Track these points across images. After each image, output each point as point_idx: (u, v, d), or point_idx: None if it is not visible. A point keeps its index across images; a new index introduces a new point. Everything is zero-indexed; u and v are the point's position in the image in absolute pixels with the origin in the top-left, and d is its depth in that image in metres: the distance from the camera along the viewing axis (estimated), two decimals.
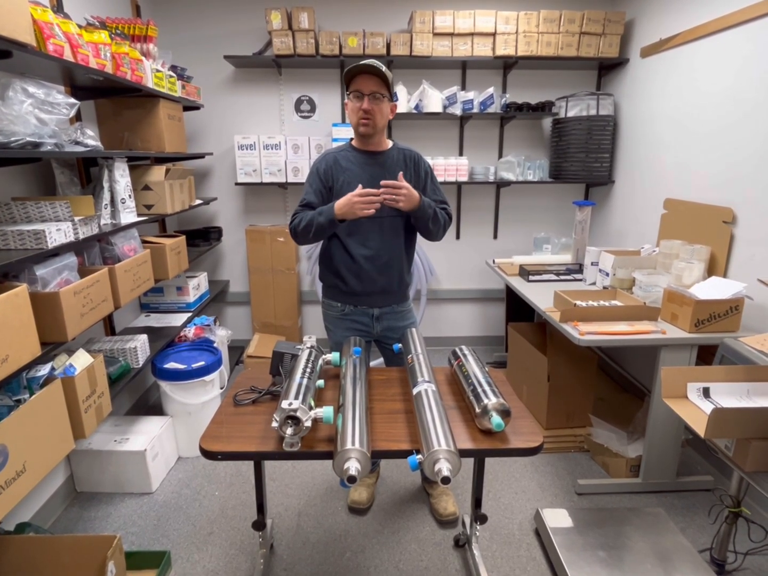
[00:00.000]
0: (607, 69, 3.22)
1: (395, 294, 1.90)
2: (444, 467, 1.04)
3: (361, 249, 1.80)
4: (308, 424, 1.16)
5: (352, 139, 1.85)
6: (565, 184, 3.42)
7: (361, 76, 1.66)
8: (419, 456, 1.10)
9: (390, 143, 1.85)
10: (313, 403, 1.24)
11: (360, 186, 1.66)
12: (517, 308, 3.18)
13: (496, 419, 1.21)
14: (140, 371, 2.12)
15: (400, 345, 1.73)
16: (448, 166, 3.14)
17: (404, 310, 1.94)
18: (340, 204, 1.66)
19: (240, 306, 3.60)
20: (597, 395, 2.53)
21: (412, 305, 2.00)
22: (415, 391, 1.33)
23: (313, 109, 3.28)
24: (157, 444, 2.20)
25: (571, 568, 1.63)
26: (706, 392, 1.36)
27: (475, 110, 3.07)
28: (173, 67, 2.60)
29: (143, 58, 2.18)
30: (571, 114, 3.05)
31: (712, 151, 2.29)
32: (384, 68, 1.64)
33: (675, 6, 2.55)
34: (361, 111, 1.68)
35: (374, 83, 1.66)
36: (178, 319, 2.64)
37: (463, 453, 1.16)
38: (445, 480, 1.03)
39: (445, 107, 3.05)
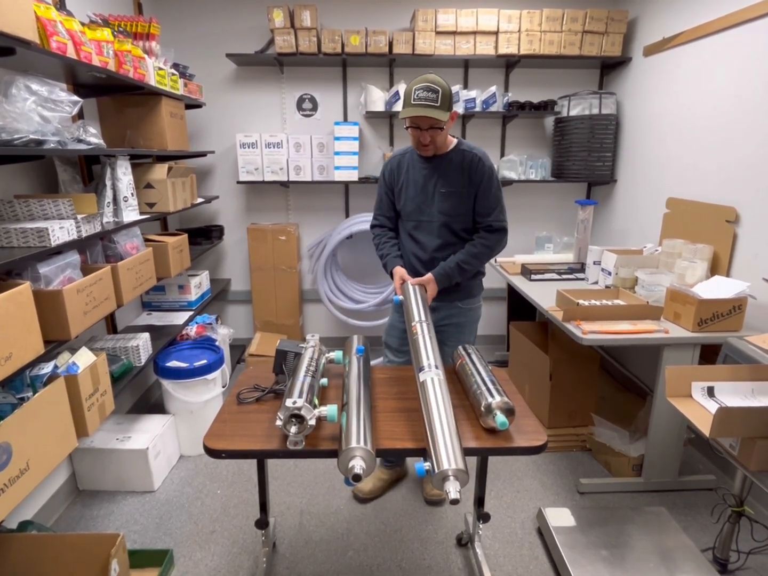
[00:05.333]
0: (610, 68, 3.21)
1: (455, 292, 1.89)
2: (452, 489, 1.00)
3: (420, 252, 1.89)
4: (312, 422, 1.17)
5: None
6: (567, 183, 3.42)
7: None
8: (426, 464, 1.07)
9: (453, 143, 1.80)
10: (317, 402, 1.24)
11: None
12: (519, 307, 3.17)
13: (500, 418, 1.21)
14: (142, 369, 2.12)
15: (400, 297, 1.75)
16: None
17: (468, 308, 1.94)
18: (395, 271, 1.85)
19: (241, 304, 3.60)
20: (599, 394, 2.53)
21: (479, 302, 1.99)
22: (421, 377, 1.27)
23: (315, 108, 3.28)
24: (159, 442, 2.20)
25: (573, 566, 1.63)
26: (710, 391, 1.36)
27: (478, 109, 3.06)
28: (175, 65, 2.59)
29: (145, 55, 2.18)
30: (573, 113, 3.04)
31: (714, 149, 2.29)
32: (440, 100, 1.58)
33: (678, 5, 2.54)
34: (419, 140, 1.69)
35: (432, 118, 1.61)
36: (179, 318, 2.64)
37: (467, 451, 1.16)
38: (454, 502, 1.00)
39: None
